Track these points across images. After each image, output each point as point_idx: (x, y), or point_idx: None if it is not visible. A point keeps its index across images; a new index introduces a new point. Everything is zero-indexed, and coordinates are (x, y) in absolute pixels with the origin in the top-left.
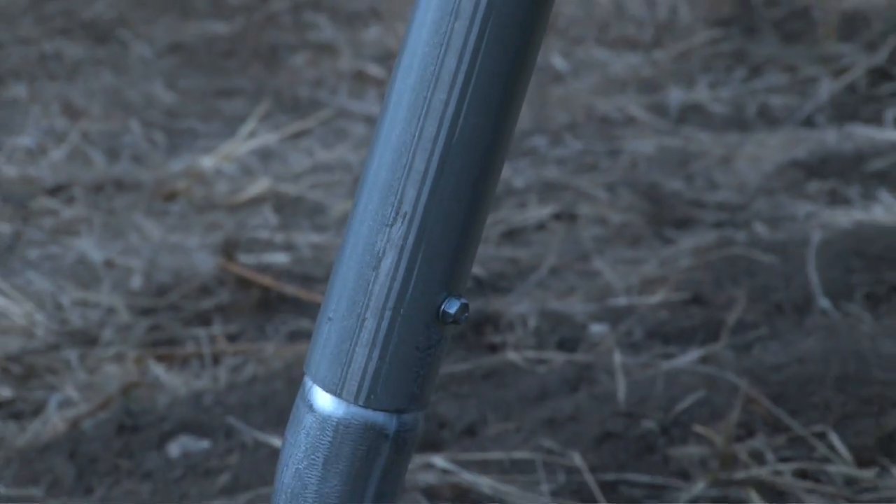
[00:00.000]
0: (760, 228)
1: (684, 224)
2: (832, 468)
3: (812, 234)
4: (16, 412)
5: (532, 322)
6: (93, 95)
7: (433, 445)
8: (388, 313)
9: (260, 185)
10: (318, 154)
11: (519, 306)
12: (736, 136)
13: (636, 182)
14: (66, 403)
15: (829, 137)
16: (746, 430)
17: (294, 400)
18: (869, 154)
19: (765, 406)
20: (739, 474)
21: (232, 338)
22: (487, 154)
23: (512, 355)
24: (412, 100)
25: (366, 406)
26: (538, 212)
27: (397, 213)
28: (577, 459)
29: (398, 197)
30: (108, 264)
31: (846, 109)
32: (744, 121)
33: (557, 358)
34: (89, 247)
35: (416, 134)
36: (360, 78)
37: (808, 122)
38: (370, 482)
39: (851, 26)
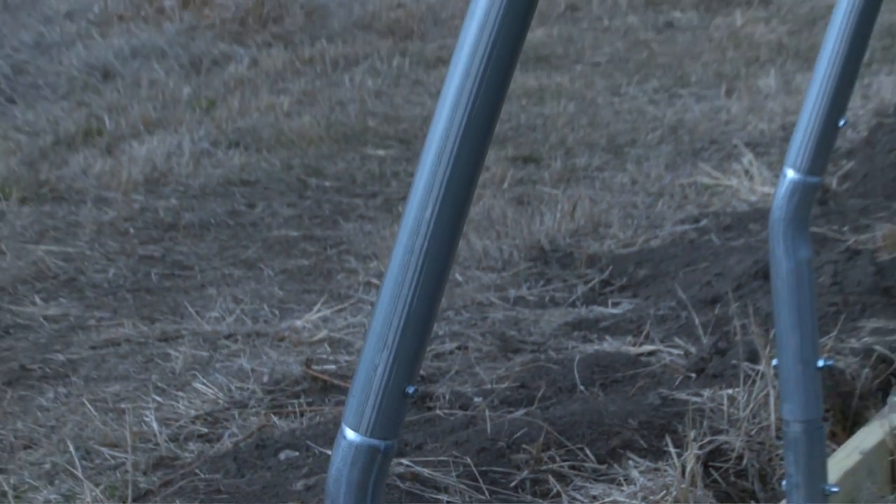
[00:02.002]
0: (552, 353)
1: (517, 351)
2: (586, 464)
3: (576, 356)
4: (208, 439)
5: (447, 396)
6: (245, 293)
7: (400, 453)
8: (381, 393)
9: (322, 334)
10: (349, 320)
11: (441, 389)
12: (540, 311)
13: (495, 332)
14: (232, 434)
15: (583, 312)
16: (546, 446)
17: (337, 433)
18: (601, 319)
19: (556, 435)
20: (544, 468)
21: (309, 404)
22: (426, 320)
23: (438, 412)
24: (391, 293)
25: (370, 436)
26: (449, 346)
27: (384, 346)
28: (469, 460)
29: (385, 339)
30: (253, 370)
31: (590, 299)
32: (543, 304)
33: (459, 413)
34: (244, 362)
35: (394, 309)
36: (369, 284)
37: (573, 305)
38: (372, 472)
39: (593, 261)
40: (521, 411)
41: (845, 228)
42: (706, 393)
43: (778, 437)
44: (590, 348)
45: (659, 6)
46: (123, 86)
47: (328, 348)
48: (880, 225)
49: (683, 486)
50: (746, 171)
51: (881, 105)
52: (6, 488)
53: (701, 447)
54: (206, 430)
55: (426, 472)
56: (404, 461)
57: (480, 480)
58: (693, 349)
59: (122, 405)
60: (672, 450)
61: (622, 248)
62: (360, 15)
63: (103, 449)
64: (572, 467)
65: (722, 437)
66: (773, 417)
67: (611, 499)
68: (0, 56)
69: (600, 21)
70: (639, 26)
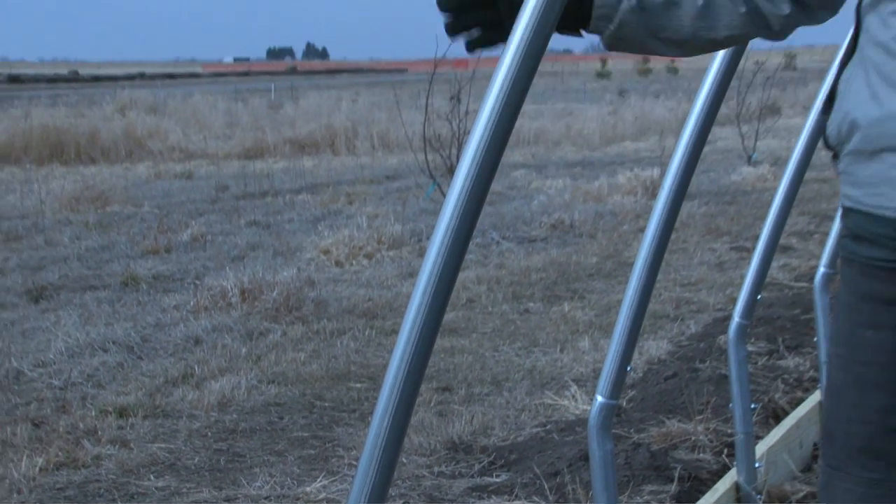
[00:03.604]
0: None
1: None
2: None
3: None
4: None
5: None
6: (276, 471)
7: None
8: None
9: (323, 495)
10: (339, 487)
11: None
12: (453, 480)
13: (425, 493)
14: None
15: (478, 481)
16: None
17: None
18: (489, 485)
19: None
20: None
21: None
22: (385, 487)
23: None
24: (364, 472)
25: None
26: (398, 502)
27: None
28: None
29: (359, 501)
30: None
31: (483, 472)
32: (455, 476)
33: None
34: None
35: (364, 482)
36: (351, 465)
37: (472, 476)
38: None
39: (484, 449)
40: None
41: (632, 430)
42: None
43: None
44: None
45: (520, 300)
46: (207, 348)
47: None
48: (652, 429)
49: None
50: (573, 397)
51: (650, 358)
52: None
53: None
54: None
55: None
56: None
57: None
58: (544, 503)
59: None
60: None
61: (501, 442)
62: (347, 305)
63: None
64: None
65: None
66: None
67: None
68: (135, 332)
69: (486, 308)
70: (508, 311)
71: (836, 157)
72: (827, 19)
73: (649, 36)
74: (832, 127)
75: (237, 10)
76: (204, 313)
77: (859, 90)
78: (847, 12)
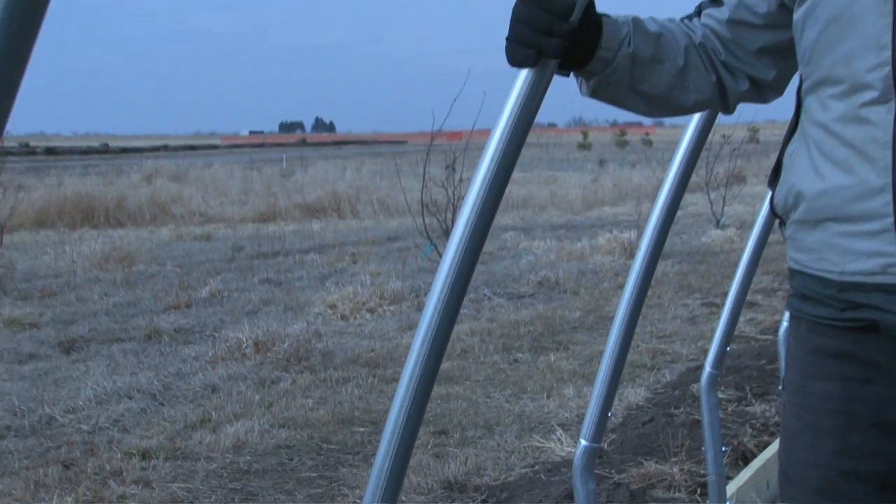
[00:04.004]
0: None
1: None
2: None
3: None
4: None
5: None
6: None
7: None
8: None
9: None
10: None
11: None
12: None
13: None
14: None
15: None
16: None
17: None
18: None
19: None
20: None
21: None
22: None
23: None
24: (381, 463)
25: None
26: None
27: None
28: None
29: (377, 487)
30: None
31: None
32: None
33: None
34: None
35: (374, 493)
36: (357, 502)
37: None
38: None
39: (477, 488)
40: None
41: (613, 471)
42: None
43: None
44: None
45: (509, 351)
46: (223, 396)
47: None
48: (632, 470)
49: None
50: (559, 440)
51: (629, 404)
52: None
53: None
54: None
55: None
56: None
57: None
58: None
59: None
60: None
61: (493, 481)
62: (352, 355)
63: None
64: None
65: None
66: None
67: None
68: (158, 380)
69: (479, 358)
70: (499, 361)
71: (782, 223)
72: (774, 99)
73: (629, 86)
74: (779, 197)
75: (253, 87)
76: (221, 363)
77: (803, 165)
78: (789, 93)
